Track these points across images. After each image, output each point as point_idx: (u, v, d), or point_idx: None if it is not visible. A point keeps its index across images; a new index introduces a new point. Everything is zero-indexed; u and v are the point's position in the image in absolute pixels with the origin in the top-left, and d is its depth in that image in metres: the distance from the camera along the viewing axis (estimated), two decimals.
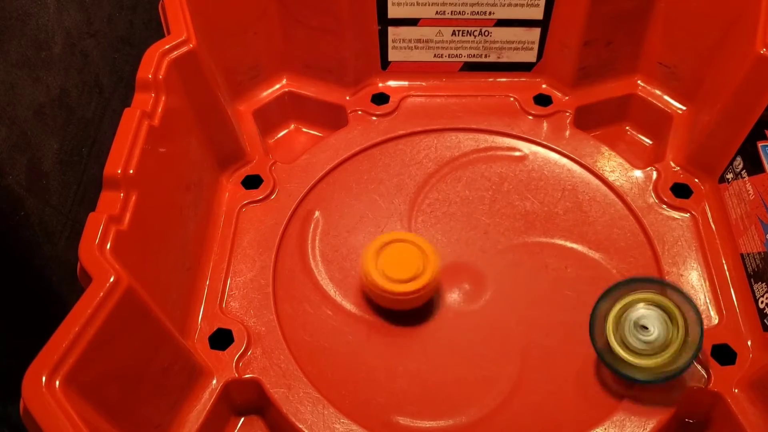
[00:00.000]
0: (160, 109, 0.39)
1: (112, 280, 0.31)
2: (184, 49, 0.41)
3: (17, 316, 0.44)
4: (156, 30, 0.47)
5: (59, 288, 0.45)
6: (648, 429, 0.37)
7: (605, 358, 0.37)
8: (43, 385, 0.27)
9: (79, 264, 0.32)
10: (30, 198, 0.41)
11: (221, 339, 0.40)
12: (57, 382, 0.28)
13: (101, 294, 0.30)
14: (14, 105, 0.40)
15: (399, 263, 0.40)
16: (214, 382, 0.38)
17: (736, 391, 0.37)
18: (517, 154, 0.50)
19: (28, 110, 0.41)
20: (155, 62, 0.40)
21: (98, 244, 0.32)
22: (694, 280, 0.42)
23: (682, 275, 0.42)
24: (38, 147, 0.42)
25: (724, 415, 0.37)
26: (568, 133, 0.51)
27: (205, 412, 0.37)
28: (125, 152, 0.35)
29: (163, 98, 0.39)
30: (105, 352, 0.30)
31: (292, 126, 0.55)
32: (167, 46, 0.41)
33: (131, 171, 0.35)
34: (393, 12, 0.50)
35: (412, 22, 0.51)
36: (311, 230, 0.46)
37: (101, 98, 0.48)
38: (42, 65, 0.42)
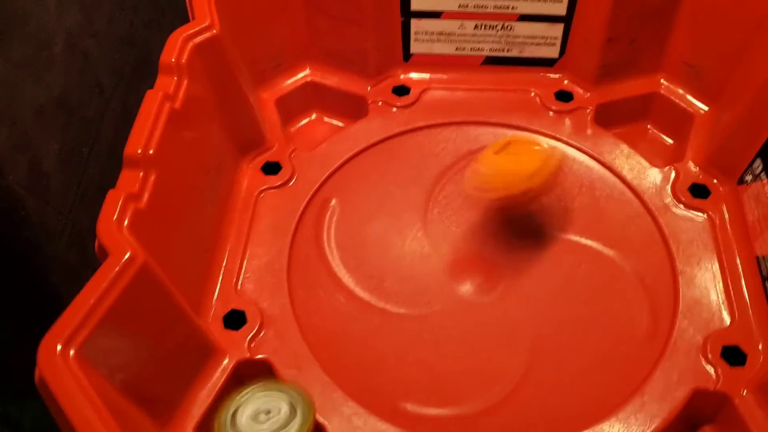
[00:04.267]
0: (181, 93, 0.39)
1: (128, 255, 0.31)
2: (208, 34, 0.42)
3: (17, 316, 0.45)
4: (156, 30, 0.47)
5: (59, 288, 0.45)
6: (653, 427, 0.37)
7: None
8: (58, 353, 0.28)
9: (96, 240, 0.33)
10: (30, 198, 0.41)
11: (235, 319, 0.40)
12: (72, 352, 0.28)
13: (117, 269, 0.31)
14: (15, 105, 0.40)
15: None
16: (226, 361, 0.39)
17: (745, 393, 0.37)
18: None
19: (29, 110, 0.41)
20: (179, 46, 0.41)
21: (116, 220, 0.33)
22: (707, 280, 0.42)
23: (695, 276, 0.42)
24: (39, 147, 0.42)
25: (732, 417, 0.37)
26: (588, 130, 0.51)
27: (216, 389, 0.37)
28: (146, 132, 0.36)
29: (186, 82, 0.40)
30: (119, 326, 0.31)
31: (314, 115, 0.55)
32: (191, 31, 0.42)
33: (151, 151, 0.36)
34: (416, 4, 0.51)
35: (435, 14, 0.51)
36: (327, 217, 0.47)
37: (102, 98, 0.49)
38: (43, 65, 0.42)
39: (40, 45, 0.42)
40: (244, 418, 0.34)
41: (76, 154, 0.46)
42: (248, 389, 0.35)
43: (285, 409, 0.34)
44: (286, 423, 0.34)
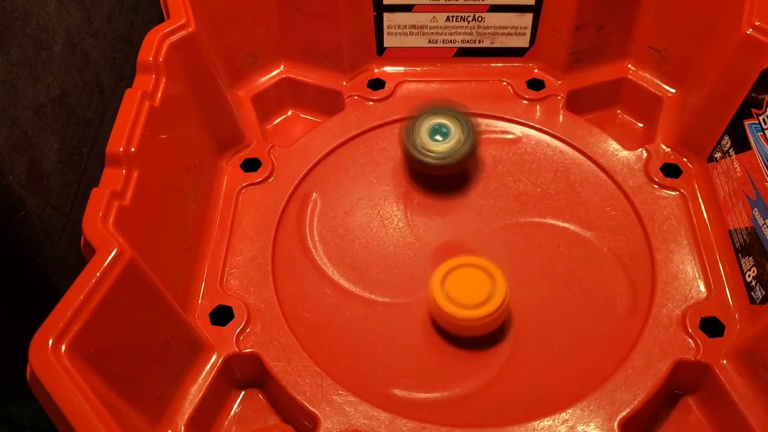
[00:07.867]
0: (160, 91, 0.40)
1: (115, 252, 0.32)
2: (184, 32, 0.42)
3: (17, 315, 0.45)
4: None
5: (60, 287, 0.45)
6: (638, 400, 0.38)
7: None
8: (50, 349, 0.28)
9: (83, 237, 0.33)
10: (30, 198, 0.41)
11: (222, 315, 0.41)
12: (63, 347, 0.29)
13: (105, 265, 0.31)
14: (15, 105, 0.40)
15: (467, 288, 0.40)
16: (215, 356, 0.39)
17: (724, 362, 0.38)
18: (511, 137, 0.51)
19: (29, 110, 0.41)
20: (156, 45, 0.41)
21: (102, 217, 0.33)
22: (683, 255, 0.43)
23: (672, 252, 0.43)
24: (39, 147, 0.42)
25: (713, 386, 0.38)
26: (560, 116, 0.52)
27: (207, 385, 0.38)
28: (127, 131, 0.36)
29: (164, 80, 0.40)
30: (109, 323, 0.31)
31: (290, 112, 0.56)
32: (167, 30, 0.42)
33: (133, 149, 0.36)
34: None
35: (407, 8, 0.52)
36: (309, 211, 0.47)
37: (101, 98, 0.49)
38: (42, 65, 0.42)
39: (40, 45, 0.42)
40: (422, 132, 0.46)
41: (76, 154, 0.46)
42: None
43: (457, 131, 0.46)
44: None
